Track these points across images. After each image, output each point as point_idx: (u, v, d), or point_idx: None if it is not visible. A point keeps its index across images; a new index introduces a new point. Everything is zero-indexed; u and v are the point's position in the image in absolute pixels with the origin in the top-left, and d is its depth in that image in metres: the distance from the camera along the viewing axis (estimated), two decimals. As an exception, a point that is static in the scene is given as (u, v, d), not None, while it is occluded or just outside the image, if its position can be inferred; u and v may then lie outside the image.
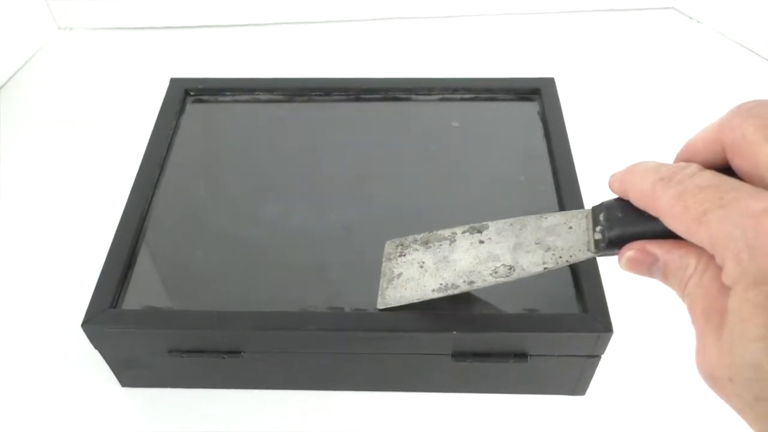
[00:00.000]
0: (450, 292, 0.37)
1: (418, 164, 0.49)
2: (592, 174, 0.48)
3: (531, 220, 0.35)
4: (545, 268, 0.33)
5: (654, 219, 0.24)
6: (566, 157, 0.47)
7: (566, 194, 0.45)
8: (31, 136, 0.64)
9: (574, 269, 0.41)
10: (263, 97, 0.54)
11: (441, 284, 0.37)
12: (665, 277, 0.25)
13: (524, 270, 0.34)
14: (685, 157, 0.25)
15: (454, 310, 0.39)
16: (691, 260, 0.23)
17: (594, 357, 0.40)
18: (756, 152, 0.22)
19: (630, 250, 0.26)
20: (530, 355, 0.40)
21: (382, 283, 0.40)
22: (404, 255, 0.40)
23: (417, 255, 0.39)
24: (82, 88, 0.70)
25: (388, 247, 0.41)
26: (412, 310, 0.39)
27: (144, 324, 0.40)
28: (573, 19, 0.77)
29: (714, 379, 0.22)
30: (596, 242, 0.29)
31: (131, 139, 0.54)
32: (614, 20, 0.76)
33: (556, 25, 0.76)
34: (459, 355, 0.40)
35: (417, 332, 0.39)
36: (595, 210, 0.30)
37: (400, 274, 0.39)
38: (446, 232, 0.39)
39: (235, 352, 0.41)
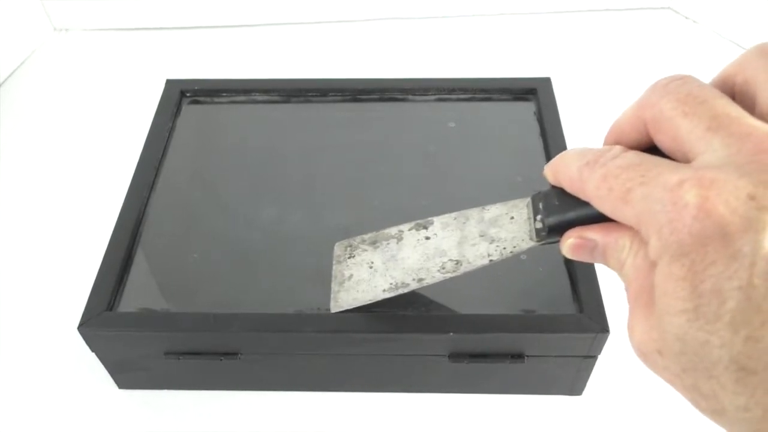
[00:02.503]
0: (401, 291, 0.37)
1: (415, 165, 0.49)
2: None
3: (474, 213, 0.35)
4: (490, 260, 0.33)
5: (588, 204, 0.25)
6: (562, 158, 0.47)
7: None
8: (26, 138, 0.64)
9: (571, 270, 0.41)
10: (259, 98, 0.54)
11: (391, 284, 0.37)
12: (605, 260, 0.25)
13: (470, 263, 0.34)
14: (613, 138, 0.25)
15: (451, 312, 0.39)
16: (626, 241, 0.24)
17: (590, 357, 0.40)
18: (674, 127, 0.22)
19: (570, 238, 0.27)
20: (527, 356, 0.40)
21: (334, 286, 0.40)
22: (353, 256, 0.40)
23: (366, 255, 0.39)
24: (78, 89, 0.70)
25: (338, 249, 0.41)
26: (411, 312, 0.39)
27: (140, 326, 0.40)
28: (569, 18, 0.77)
29: (645, 354, 0.22)
30: (537, 231, 0.30)
31: (127, 140, 0.54)
32: (610, 20, 0.76)
33: (552, 25, 0.76)
34: (456, 356, 0.40)
35: (413, 334, 0.39)
36: (535, 198, 0.30)
37: (350, 276, 0.39)
38: (393, 231, 0.39)
39: (231, 354, 0.41)
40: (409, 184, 0.47)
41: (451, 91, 0.53)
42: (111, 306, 0.40)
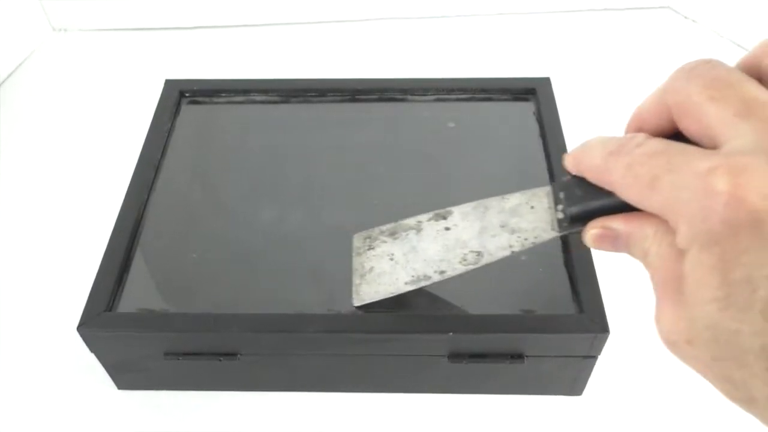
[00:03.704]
0: (423, 284, 0.36)
1: (414, 165, 0.48)
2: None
3: (494, 202, 0.34)
4: (512, 252, 0.33)
5: (611, 193, 0.24)
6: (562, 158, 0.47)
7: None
8: (25, 138, 0.64)
9: (571, 270, 0.41)
10: (258, 98, 0.54)
11: (413, 276, 0.37)
12: (629, 249, 0.25)
13: (492, 255, 0.34)
14: (635, 126, 0.25)
15: (451, 312, 0.39)
16: (649, 229, 0.23)
17: (590, 357, 0.40)
18: (701, 112, 0.22)
19: (593, 228, 0.26)
20: (527, 356, 0.40)
21: (355, 279, 0.39)
22: (373, 248, 0.39)
23: (386, 247, 0.39)
24: (76, 89, 0.69)
25: (356, 240, 0.40)
26: (410, 312, 0.39)
27: (140, 327, 0.40)
28: (568, 18, 0.77)
29: (673, 344, 0.22)
30: (559, 221, 0.29)
31: (126, 140, 0.54)
32: (610, 19, 0.76)
33: (552, 25, 0.76)
34: (455, 357, 0.40)
35: (413, 334, 0.39)
36: (555, 187, 0.30)
37: (371, 269, 0.39)
38: (411, 221, 0.38)
39: (231, 355, 0.41)
40: (409, 184, 0.47)
41: (451, 91, 0.53)
42: (110, 306, 0.40)
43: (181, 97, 0.54)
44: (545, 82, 0.53)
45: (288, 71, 0.69)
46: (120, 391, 0.45)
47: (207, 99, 0.54)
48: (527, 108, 0.52)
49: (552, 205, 0.30)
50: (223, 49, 0.74)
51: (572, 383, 0.43)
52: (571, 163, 0.27)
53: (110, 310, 0.40)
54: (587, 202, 0.27)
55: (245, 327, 0.39)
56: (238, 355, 0.41)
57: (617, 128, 0.67)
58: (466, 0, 0.76)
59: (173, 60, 0.73)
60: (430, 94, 0.53)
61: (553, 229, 0.30)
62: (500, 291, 0.41)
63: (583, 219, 0.27)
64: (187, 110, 0.53)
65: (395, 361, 0.41)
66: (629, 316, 0.46)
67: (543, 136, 0.49)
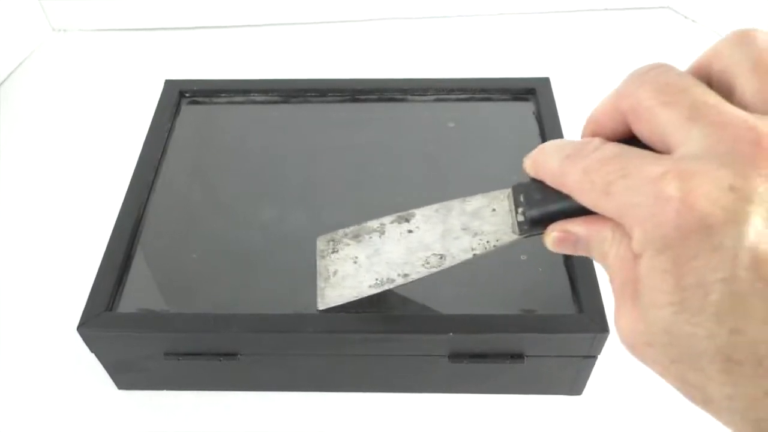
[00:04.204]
0: (386, 287, 0.36)
1: (414, 165, 0.49)
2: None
3: (455, 204, 0.34)
4: (474, 255, 0.33)
5: (569, 197, 0.24)
6: (562, 157, 0.47)
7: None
8: (25, 138, 0.64)
9: (570, 270, 0.41)
10: (258, 98, 0.54)
11: (377, 279, 0.37)
12: (589, 252, 0.25)
13: (454, 258, 0.34)
14: (591, 130, 0.25)
15: (451, 312, 0.39)
16: (607, 232, 0.23)
17: (590, 357, 0.40)
18: (653, 117, 0.22)
19: (553, 231, 0.27)
20: (527, 356, 0.40)
21: (319, 282, 0.39)
22: (336, 251, 0.39)
23: (349, 250, 0.39)
24: (76, 89, 0.69)
25: (320, 243, 0.40)
26: (409, 312, 0.39)
27: (140, 327, 0.40)
28: (568, 18, 0.77)
29: (632, 346, 0.22)
30: (519, 224, 0.29)
31: (126, 141, 0.54)
32: (610, 19, 0.76)
33: (551, 25, 0.76)
34: (455, 357, 0.40)
35: (413, 334, 0.39)
36: (516, 190, 0.30)
37: (335, 272, 0.38)
38: (375, 224, 0.38)
39: (231, 355, 0.41)
40: (408, 184, 0.47)
41: (450, 91, 0.53)
42: (110, 306, 0.40)
43: (181, 97, 0.54)
44: (545, 82, 0.53)
45: (288, 71, 0.69)
46: (120, 391, 0.45)
47: (207, 99, 0.54)
48: (527, 108, 0.52)
49: (513, 207, 0.30)
50: (223, 49, 0.74)
51: (572, 383, 0.43)
52: (529, 166, 0.27)
53: (110, 310, 0.40)
54: (546, 206, 0.27)
55: (245, 327, 0.39)
56: (238, 355, 0.41)
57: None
58: (466, 0, 0.76)
59: (173, 60, 0.73)
60: (430, 94, 0.53)
61: (513, 232, 0.30)
62: (500, 291, 0.41)
63: (542, 222, 0.27)
64: (187, 110, 0.53)
65: (395, 361, 0.41)
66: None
67: (543, 136, 0.49)
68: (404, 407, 0.44)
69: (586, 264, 0.41)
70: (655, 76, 0.22)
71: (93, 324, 0.39)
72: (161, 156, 0.49)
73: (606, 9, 0.77)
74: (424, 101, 0.53)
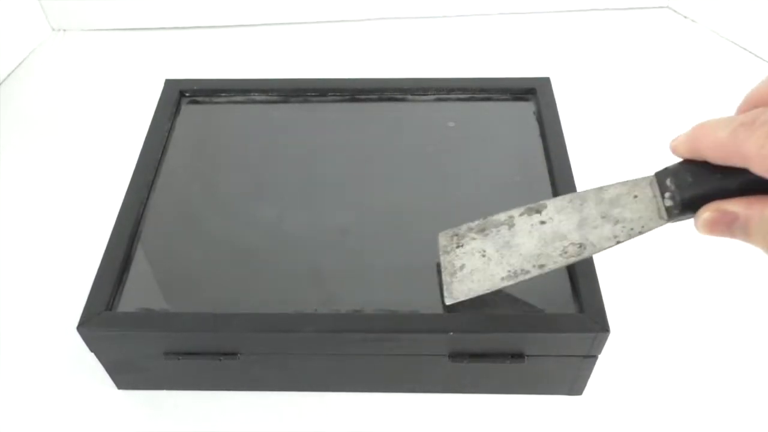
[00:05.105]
0: (521, 278, 0.36)
1: (414, 165, 0.48)
2: (588, 173, 0.48)
3: (591, 194, 0.34)
4: (617, 242, 0.33)
5: (728, 176, 0.24)
6: (562, 157, 0.47)
7: (562, 194, 0.45)
8: (25, 138, 0.64)
9: (571, 269, 0.41)
10: (258, 97, 0.54)
11: (509, 271, 0.36)
12: (748, 234, 0.24)
13: (595, 246, 0.34)
14: (751, 105, 0.24)
15: (451, 311, 0.39)
16: None
17: (591, 357, 0.40)
18: None
19: (706, 212, 0.26)
20: (527, 356, 0.40)
21: (445, 277, 0.39)
22: (461, 246, 0.39)
23: (475, 244, 0.38)
24: (76, 89, 0.69)
25: (443, 239, 0.40)
26: (409, 312, 0.39)
27: (140, 326, 0.40)
28: (568, 18, 0.77)
29: None
30: (668, 209, 0.29)
31: (126, 140, 0.54)
32: (609, 19, 0.76)
33: (552, 25, 0.76)
34: (456, 356, 0.40)
35: (413, 333, 0.39)
36: (660, 176, 0.30)
37: (462, 266, 0.38)
38: (502, 217, 0.38)
39: (231, 354, 0.41)
40: (409, 184, 0.47)
41: (451, 91, 0.53)
42: (110, 306, 0.40)
43: (181, 97, 0.54)
44: (545, 82, 0.53)
45: (288, 71, 0.69)
46: (120, 391, 0.45)
47: (207, 99, 0.54)
48: (527, 108, 0.52)
49: (657, 193, 0.30)
50: (223, 49, 0.74)
51: (572, 383, 0.43)
52: (684, 146, 0.26)
53: (110, 310, 0.40)
54: (700, 187, 0.27)
55: (245, 327, 0.39)
56: (238, 355, 0.41)
57: (618, 128, 0.67)
58: (466, 0, 0.76)
59: (173, 60, 0.73)
60: (430, 94, 0.53)
61: (661, 218, 0.30)
62: (501, 291, 0.41)
63: (695, 205, 0.27)
64: (187, 110, 0.53)
65: (395, 361, 0.41)
66: (629, 316, 0.46)
67: (543, 136, 0.49)
68: (404, 407, 0.44)
69: (587, 264, 0.41)
70: None
71: (93, 323, 0.39)
72: (161, 156, 0.49)
73: (606, 9, 0.77)
74: (424, 101, 0.53)
